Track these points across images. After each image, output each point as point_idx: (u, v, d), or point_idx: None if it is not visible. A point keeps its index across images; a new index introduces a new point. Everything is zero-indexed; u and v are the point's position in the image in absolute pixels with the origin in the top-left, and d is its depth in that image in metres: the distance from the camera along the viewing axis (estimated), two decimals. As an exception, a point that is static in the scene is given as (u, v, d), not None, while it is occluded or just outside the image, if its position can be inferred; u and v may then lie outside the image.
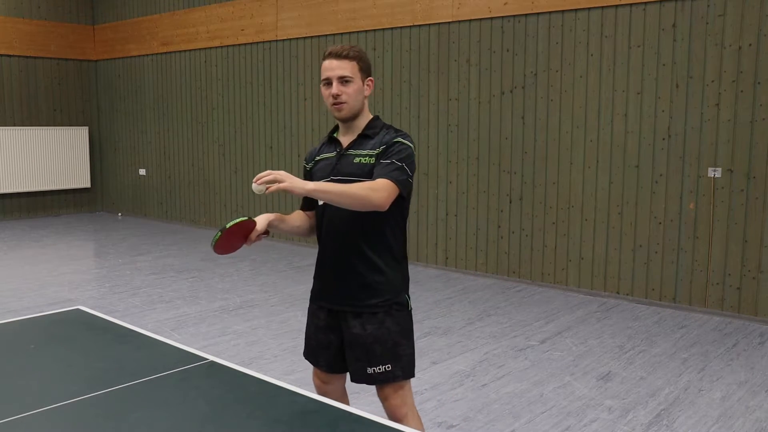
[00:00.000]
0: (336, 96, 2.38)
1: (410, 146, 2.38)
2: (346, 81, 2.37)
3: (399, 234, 2.46)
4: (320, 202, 2.48)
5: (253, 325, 5.11)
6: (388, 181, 2.27)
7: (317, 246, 2.55)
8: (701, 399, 3.80)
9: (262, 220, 2.38)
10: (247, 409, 1.93)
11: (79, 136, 10.60)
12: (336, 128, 2.55)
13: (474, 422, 3.49)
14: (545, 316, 5.38)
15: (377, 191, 2.23)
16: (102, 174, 11.11)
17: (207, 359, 2.32)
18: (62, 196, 10.68)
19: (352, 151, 2.43)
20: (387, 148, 2.36)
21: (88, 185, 10.84)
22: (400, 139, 2.38)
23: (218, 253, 2.29)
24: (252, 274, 6.75)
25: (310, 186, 2.16)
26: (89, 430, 1.84)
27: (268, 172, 2.15)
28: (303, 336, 2.73)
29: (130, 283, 6.35)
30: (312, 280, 2.59)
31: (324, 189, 2.18)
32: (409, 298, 2.50)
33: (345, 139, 2.48)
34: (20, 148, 9.96)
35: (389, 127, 2.47)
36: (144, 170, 10.33)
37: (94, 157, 11.03)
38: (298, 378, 4.00)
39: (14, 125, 10.00)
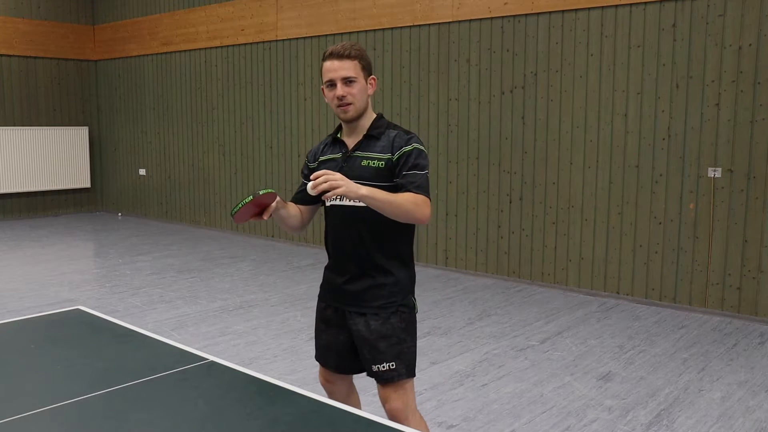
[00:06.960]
0: (341, 98, 2.34)
1: (425, 151, 2.38)
2: (350, 81, 2.34)
3: (409, 237, 2.47)
4: (328, 203, 2.46)
5: (253, 325, 5.11)
6: (424, 197, 2.30)
7: (320, 246, 2.54)
8: (701, 399, 3.80)
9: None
10: (247, 409, 1.93)
11: (79, 136, 10.60)
12: (339, 128, 2.52)
13: (474, 422, 3.49)
14: (545, 316, 5.38)
15: (420, 206, 2.26)
16: (102, 174, 11.10)
17: (207, 359, 2.32)
18: (62, 196, 10.68)
19: (358, 153, 2.40)
20: (407, 157, 2.33)
21: (88, 185, 10.84)
22: (417, 145, 2.35)
23: (236, 221, 2.25)
24: (252, 274, 6.75)
25: (363, 191, 2.15)
26: (89, 430, 1.84)
27: (324, 177, 2.10)
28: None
29: (130, 283, 6.35)
30: (313, 280, 2.59)
31: (373, 196, 2.18)
32: (415, 300, 2.50)
33: (350, 141, 2.45)
34: (20, 148, 9.96)
35: (395, 126, 2.44)
36: (144, 170, 10.33)
37: (94, 157, 11.03)
38: (298, 378, 4.01)
39: (14, 125, 10.00)
